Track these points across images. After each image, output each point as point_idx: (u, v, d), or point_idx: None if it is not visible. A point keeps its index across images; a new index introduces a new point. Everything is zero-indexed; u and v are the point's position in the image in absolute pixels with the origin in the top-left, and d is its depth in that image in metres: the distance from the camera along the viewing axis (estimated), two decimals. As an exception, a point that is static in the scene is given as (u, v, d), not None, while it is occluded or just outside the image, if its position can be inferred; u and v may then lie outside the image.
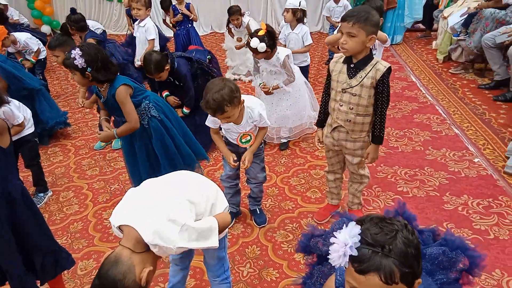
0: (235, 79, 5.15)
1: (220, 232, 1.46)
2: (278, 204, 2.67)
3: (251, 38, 2.81)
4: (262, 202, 2.57)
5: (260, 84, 3.15)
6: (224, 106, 1.82)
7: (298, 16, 3.84)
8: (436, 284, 1.17)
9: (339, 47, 1.93)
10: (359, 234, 0.85)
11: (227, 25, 4.93)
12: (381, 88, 1.92)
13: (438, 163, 2.98)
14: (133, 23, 4.76)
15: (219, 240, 1.54)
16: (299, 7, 3.81)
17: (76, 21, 3.56)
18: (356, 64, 1.93)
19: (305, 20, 4.03)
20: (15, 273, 1.68)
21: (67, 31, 3.65)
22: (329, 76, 2.10)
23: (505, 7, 4.08)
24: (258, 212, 2.51)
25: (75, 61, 2.09)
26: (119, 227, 1.36)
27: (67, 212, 2.72)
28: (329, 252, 0.90)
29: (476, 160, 2.98)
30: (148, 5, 3.90)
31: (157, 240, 1.28)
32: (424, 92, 4.36)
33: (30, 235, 1.70)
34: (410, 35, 6.71)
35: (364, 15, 1.82)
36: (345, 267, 0.87)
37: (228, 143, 2.27)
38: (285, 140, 3.39)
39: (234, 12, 4.71)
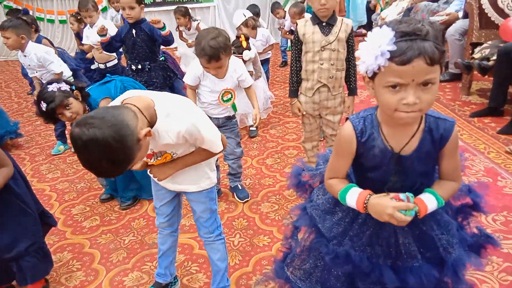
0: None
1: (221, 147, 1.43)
2: (257, 181, 2.65)
3: (240, 54, 2.76)
4: (242, 179, 2.54)
5: None
6: (220, 53, 1.84)
7: (251, 25, 3.85)
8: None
9: (317, 11, 2.00)
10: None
11: (177, 28, 4.90)
12: (352, 41, 2.07)
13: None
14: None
15: (209, 190, 1.52)
16: (246, 18, 3.84)
17: (32, 20, 3.42)
18: (327, 22, 2.03)
19: (259, 23, 4.13)
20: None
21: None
22: (298, 43, 2.15)
23: (436, 0, 4.53)
24: (240, 188, 2.46)
25: (62, 88, 1.93)
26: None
27: (30, 212, 2.49)
28: (359, 62, 0.92)
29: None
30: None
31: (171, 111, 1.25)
32: (376, 81, 4.63)
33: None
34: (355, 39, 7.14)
35: None
36: (383, 67, 0.87)
37: None
38: (253, 128, 3.41)
39: (177, 12, 4.63)
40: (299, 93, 2.25)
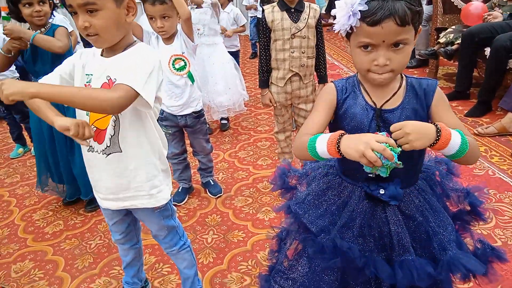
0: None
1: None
2: (230, 175, 2.57)
3: None
4: (214, 174, 2.46)
5: None
6: None
7: None
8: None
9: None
10: None
11: None
12: (320, 28, 2.01)
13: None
14: None
15: (162, 209, 1.36)
16: None
17: None
18: (295, 8, 1.96)
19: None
20: None
21: None
22: (267, 31, 2.07)
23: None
24: (212, 183, 2.38)
25: None
26: None
27: (-13, 221, 2.31)
28: (335, 21, 0.91)
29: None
30: None
31: None
32: (346, 70, 4.64)
33: None
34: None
35: None
36: (355, 28, 0.88)
37: (165, 118, 2.08)
38: (225, 121, 3.32)
39: None
40: (269, 83, 2.18)
